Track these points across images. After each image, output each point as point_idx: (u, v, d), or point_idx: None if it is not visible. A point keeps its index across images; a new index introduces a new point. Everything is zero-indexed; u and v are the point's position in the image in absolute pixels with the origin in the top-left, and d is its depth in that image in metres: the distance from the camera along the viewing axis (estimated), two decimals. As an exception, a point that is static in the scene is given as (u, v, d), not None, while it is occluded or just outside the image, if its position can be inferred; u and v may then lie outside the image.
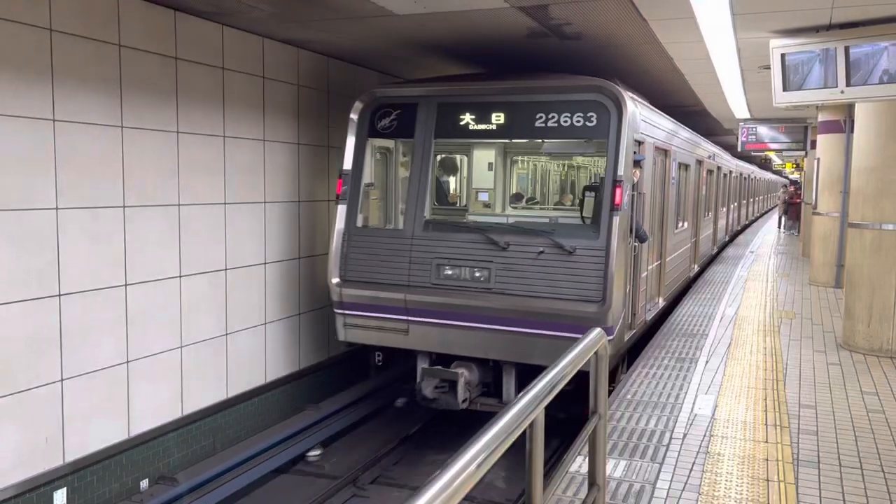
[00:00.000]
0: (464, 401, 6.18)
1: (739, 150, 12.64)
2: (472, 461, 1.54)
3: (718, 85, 8.73)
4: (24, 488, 4.66)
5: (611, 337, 5.70)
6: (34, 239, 4.74)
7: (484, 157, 7.81)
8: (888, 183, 6.23)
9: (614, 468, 3.74)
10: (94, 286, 5.15)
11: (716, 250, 13.51)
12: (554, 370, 2.23)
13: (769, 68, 6.50)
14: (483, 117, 6.25)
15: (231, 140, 6.08)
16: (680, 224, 9.10)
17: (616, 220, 5.75)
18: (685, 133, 9.22)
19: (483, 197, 7.82)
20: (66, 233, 4.92)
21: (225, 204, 6.04)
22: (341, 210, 6.55)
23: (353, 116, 6.62)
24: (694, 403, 4.81)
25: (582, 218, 6.52)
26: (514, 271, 5.93)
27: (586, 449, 2.99)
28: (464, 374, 6.17)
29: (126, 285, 5.40)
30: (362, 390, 7.16)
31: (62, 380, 4.94)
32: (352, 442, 6.90)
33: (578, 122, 5.91)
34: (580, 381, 5.32)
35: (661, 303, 7.78)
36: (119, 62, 5.22)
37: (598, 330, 2.68)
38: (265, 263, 6.57)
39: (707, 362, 5.85)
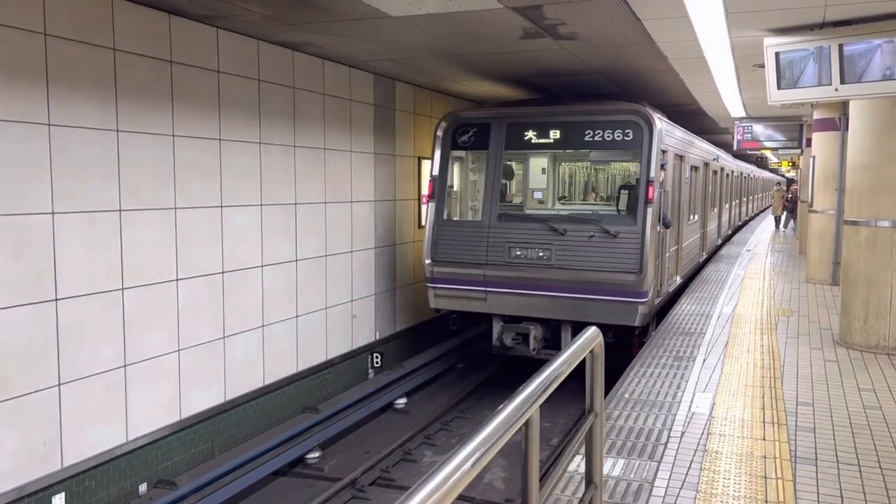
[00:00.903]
0: (533, 349, 8.12)
1: (735, 148, 12.76)
2: (466, 459, 1.53)
3: (713, 83, 8.78)
4: (22, 493, 4.67)
5: (646, 299, 7.63)
6: (30, 244, 4.74)
7: (539, 163, 9.76)
8: (883, 179, 6.18)
9: (612, 467, 3.75)
10: (91, 290, 5.13)
11: (720, 241, 15.46)
12: (549, 368, 2.23)
13: (763, 67, 6.53)
14: (542, 133, 8.28)
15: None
16: (692, 217, 11.04)
17: (649, 210, 7.73)
18: (695, 140, 11.19)
19: (538, 195, 9.65)
20: (62, 237, 4.92)
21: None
22: (431, 207, 8.47)
23: (439, 133, 8.55)
24: (692, 402, 4.83)
25: (618, 210, 8.32)
26: (570, 251, 7.89)
27: (584, 448, 2.96)
28: (533, 330, 8.18)
29: (123, 289, 5.39)
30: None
31: (59, 384, 4.94)
32: (351, 443, 7.13)
33: (619, 137, 7.96)
34: (621, 337, 7.81)
35: (678, 280, 9.73)
36: (114, 65, 5.21)
37: (593, 329, 2.77)
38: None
39: (705, 361, 5.88)
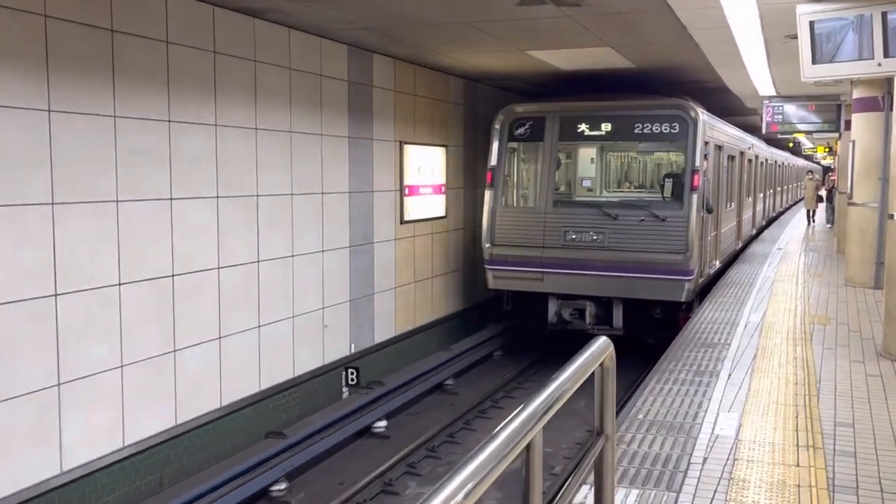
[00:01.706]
0: (589, 324, 10.01)
1: (763, 132, 12.65)
2: (457, 491, 1.52)
3: (739, 57, 8.86)
4: (-58, 533, 4.77)
5: (691, 277, 9.57)
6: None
7: (587, 153, 11.66)
8: (934, 167, 6.40)
9: (625, 498, 3.75)
10: (16, 297, 5.05)
11: (754, 231, 17.59)
12: (554, 384, 2.23)
13: (796, 38, 6.54)
14: (594, 126, 10.17)
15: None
16: (729, 204, 12.98)
17: (694, 197, 9.63)
18: (732, 130, 13.24)
19: (586, 183, 11.53)
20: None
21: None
22: (489, 194, 10.31)
23: (497, 126, 10.40)
24: (715, 423, 4.84)
25: (663, 197, 10.13)
26: (621, 234, 9.73)
27: (592, 477, 2.88)
28: (589, 306, 10.08)
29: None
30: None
31: (-20, 407, 5.10)
32: (323, 473, 7.15)
33: (665, 129, 9.85)
34: (668, 313, 9.73)
35: (717, 264, 11.64)
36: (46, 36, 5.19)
37: (602, 339, 2.84)
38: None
39: (730, 376, 5.90)
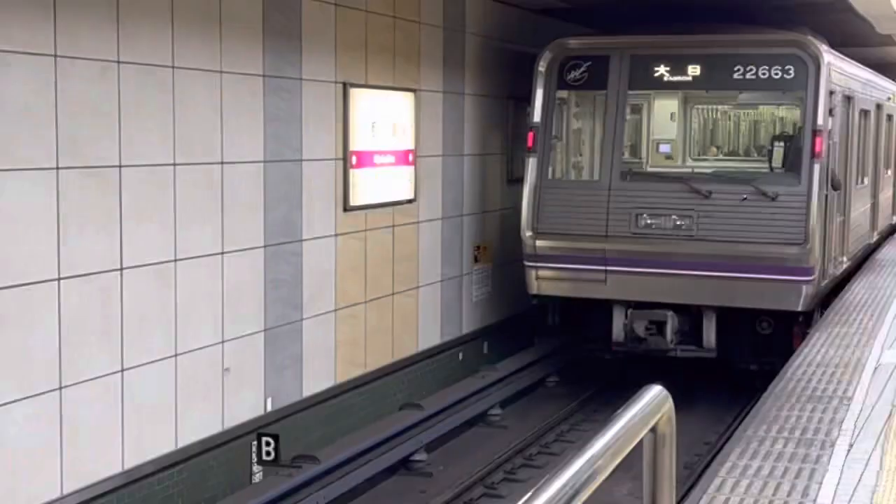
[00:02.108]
0: (671, 342, 10.49)
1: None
2: None
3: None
4: None
5: (811, 278, 10.08)
6: None
7: (665, 107, 11.90)
8: None
9: None
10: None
11: (895, 220, 18.38)
12: (572, 469, 2.21)
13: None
14: (678, 69, 10.51)
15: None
16: (861, 180, 13.27)
17: (816, 167, 10.01)
18: (865, 74, 13.40)
19: (664, 149, 11.97)
20: None
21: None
22: (532, 163, 10.88)
23: (541, 68, 10.94)
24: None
25: (770, 167, 10.62)
26: (716, 218, 10.20)
27: None
28: (671, 318, 10.46)
29: None
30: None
31: None
32: None
33: (777, 74, 10.07)
34: (780, 327, 10.25)
35: (846, 261, 12.12)
36: None
37: (656, 389, 2.81)
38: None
39: (851, 447, 5.86)
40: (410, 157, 10.16)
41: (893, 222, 17.73)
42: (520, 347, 11.90)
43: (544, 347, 12.04)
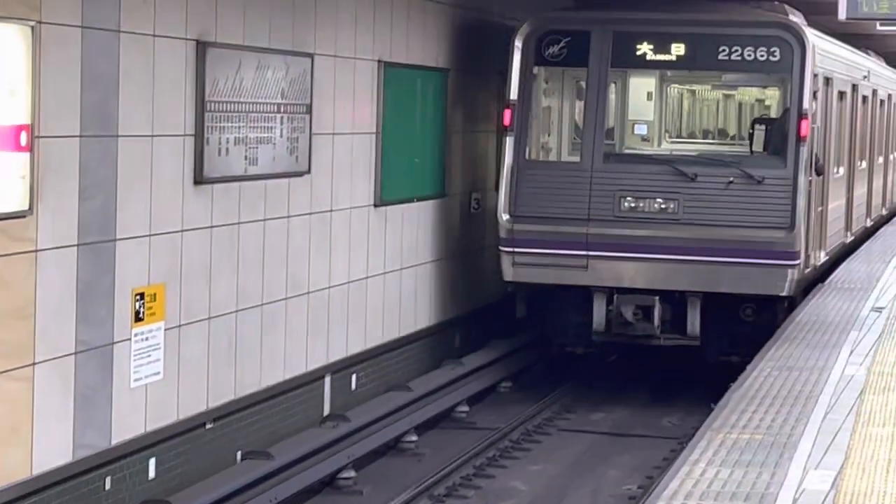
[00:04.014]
0: (657, 328, 13.25)
1: (843, 17, 13.19)
2: None
3: None
4: None
5: (797, 262, 12.75)
6: None
7: (642, 85, 15.05)
8: None
9: None
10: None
11: (869, 222, 21.70)
12: None
13: None
14: (662, 48, 13.40)
15: None
16: (836, 169, 16.43)
17: (802, 150, 12.86)
18: (846, 53, 16.65)
19: (641, 130, 15.15)
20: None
21: None
22: (510, 142, 13.61)
23: (518, 43, 13.67)
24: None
25: (751, 150, 13.72)
26: (701, 201, 12.84)
27: None
28: (658, 302, 13.06)
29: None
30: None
31: None
32: None
33: (762, 56, 13.00)
34: (764, 315, 13.83)
35: (824, 256, 15.23)
36: None
37: None
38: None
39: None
40: (23, 139, 9.21)
41: (868, 225, 21.18)
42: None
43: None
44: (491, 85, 16.31)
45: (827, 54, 14.24)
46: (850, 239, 18.46)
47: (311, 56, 11.93)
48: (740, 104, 15.82)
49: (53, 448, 9.80)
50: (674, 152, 14.53)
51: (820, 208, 14.80)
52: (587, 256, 12.98)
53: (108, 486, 10.19)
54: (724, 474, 7.44)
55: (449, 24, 15.42)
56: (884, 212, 24.39)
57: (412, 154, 14.73)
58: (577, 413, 14.62)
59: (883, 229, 22.47)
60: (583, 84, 13.71)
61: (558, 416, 14.44)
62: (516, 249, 13.22)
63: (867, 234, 21.42)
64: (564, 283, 13.11)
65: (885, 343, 13.03)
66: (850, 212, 18.57)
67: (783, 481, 7.38)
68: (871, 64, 21.20)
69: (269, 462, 11.10)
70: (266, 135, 11.70)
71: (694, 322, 13.13)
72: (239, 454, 11.39)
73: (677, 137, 15.61)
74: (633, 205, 12.92)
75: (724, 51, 13.07)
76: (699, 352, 13.70)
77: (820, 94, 13.55)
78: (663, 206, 12.87)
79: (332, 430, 12.01)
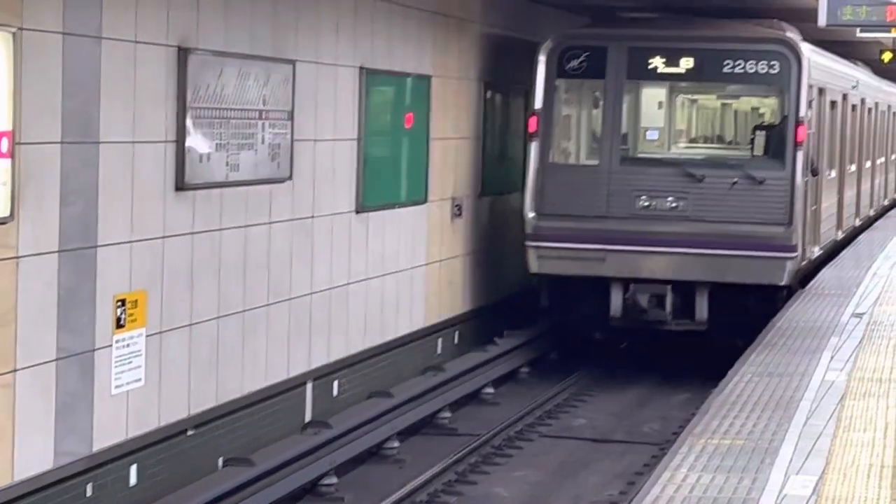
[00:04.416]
0: (669, 314, 15.21)
1: (823, 23, 13.81)
2: None
3: None
4: None
5: (794, 254, 14.97)
6: None
7: (653, 96, 16.72)
8: None
9: None
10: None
11: (858, 222, 23.57)
12: None
13: None
14: (672, 61, 15.41)
15: None
16: (829, 172, 18.54)
17: (799, 154, 14.90)
18: (836, 65, 18.48)
19: (652, 136, 16.93)
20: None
21: None
22: (535, 147, 15.40)
23: (542, 57, 15.52)
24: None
25: (752, 154, 15.59)
26: (708, 200, 14.91)
27: None
28: (669, 291, 14.98)
29: None
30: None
31: None
32: None
33: (763, 69, 15.09)
34: (764, 303, 15.78)
35: (818, 250, 16.93)
36: None
37: None
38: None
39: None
40: (3, 145, 9.16)
41: (856, 224, 22.99)
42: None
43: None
44: (473, 91, 16.53)
45: (820, 67, 15.98)
46: (840, 236, 20.22)
47: (292, 62, 11.92)
48: (742, 112, 17.40)
49: (34, 455, 9.70)
50: (683, 156, 16.39)
51: (814, 207, 16.44)
52: (605, 250, 14.82)
53: (89, 493, 10.02)
54: (706, 480, 7.49)
55: (431, 30, 15.37)
56: (871, 213, 26.34)
57: (394, 160, 14.69)
58: (558, 419, 14.76)
59: (866, 234, 23.67)
60: (598, 94, 15.55)
61: (540, 423, 14.51)
62: (541, 244, 15.16)
63: (856, 233, 23.08)
64: (585, 275, 14.91)
65: (866, 349, 13.02)
66: (842, 211, 20.51)
67: (764, 487, 7.39)
68: (859, 74, 22.97)
69: (251, 469, 11.00)
70: (247, 141, 11.47)
71: (702, 309, 14.98)
72: (220, 461, 11.20)
73: (685, 142, 17.56)
74: (647, 203, 14.84)
75: (727, 64, 14.92)
76: (706, 336, 15.38)
77: (814, 104, 15.21)
78: (674, 204, 14.83)
79: (314, 436, 12.06)
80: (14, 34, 9.15)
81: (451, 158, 16.17)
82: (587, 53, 15.41)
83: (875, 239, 23.14)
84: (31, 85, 9.63)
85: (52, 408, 9.83)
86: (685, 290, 14.99)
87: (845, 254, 20.52)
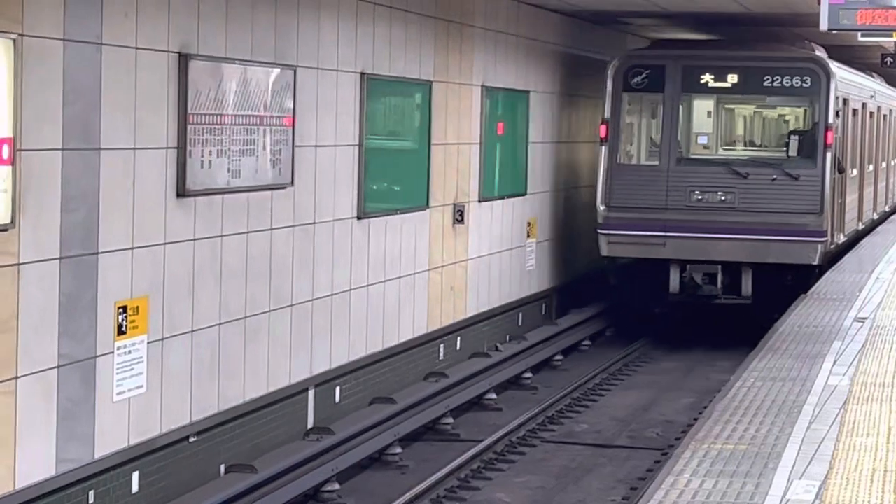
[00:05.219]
0: (719, 290, 18.80)
1: (825, 27, 14.19)
2: None
3: None
4: None
5: (825, 238, 18.66)
6: None
7: (702, 106, 20.62)
8: None
9: None
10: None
11: (875, 216, 27.31)
12: None
13: None
14: (720, 77, 19.42)
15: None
16: (852, 170, 21.72)
17: (828, 155, 18.80)
18: (857, 78, 22.82)
19: (702, 140, 20.89)
20: None
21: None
22: (605, 150, 19.17)
23: (611, 74, 19.36)
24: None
25: (787, 155, 19.31)
26: (752, 193, 18.68)
27: None
28: (720, 270, 18.43)
29: None
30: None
31: None
32: None
33: (797, 83, 18.88)
34: (799, 278, 19.60)
35: (843, 237, 20.86)
36: None
37: None
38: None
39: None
40: (4, 152, 9.12)
41: (875, 217, 26.21)
42: None
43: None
44: (474, 97, 16.85)
45: (844, 80, 18.76)
46: (861, 226, 23.29)
47: (293, 68, 11.91)
48: (779, 120, 20.71)
49: (36, 462, 9.68)
50: (729, 157, 19.60)
51: (840, 200, 19.40)
52: (666, 236, 17.88)
53: (91, 500, 9.98)
54: (709, 485, 7.53)
55: (431, 35, 15.46)
56: (887, 208, 29.46)
57: (395, 166, 14.77)
58: (561, 424, 14.88)
59: (868, 238, 24.90)
60: (657, 105, 18.79)
61: (542, 428, 14.59)
62: (610, 232, 18.29)
63: (873, 225, 26.32)
64: (647, 257, 18.00)
65: (869, 353, 12.95)
66: (862, 204, 23.64)
67: (767, 491, 7.41)
68: (875, 85, 26.16)
69: (253, 475, 10.99)
70: (249, 147, 11.42)
71: (747, 285, 18.03)
72: (222, 467, 11.13)
73: (731, 145, 21.01)
74: (699, 197, 17.99)
75: (767, 79, 18.04)
76: (750, 308, 18.22)
77: (840, 112, 17.88)
78: (723, 197, 17.95)
79: (316, 443, 12.09)
80: (15, 41, 9.13)
81: (452, 163, 16.59)
82: (648, 71, 18.73)
83: (877, 243, 23.44)
84: (31, 92, 9.59)
85: (54, 415, 9.78)
86: (733, 270, 17.88)
87: (847, 258, 21.32)
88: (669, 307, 19.20)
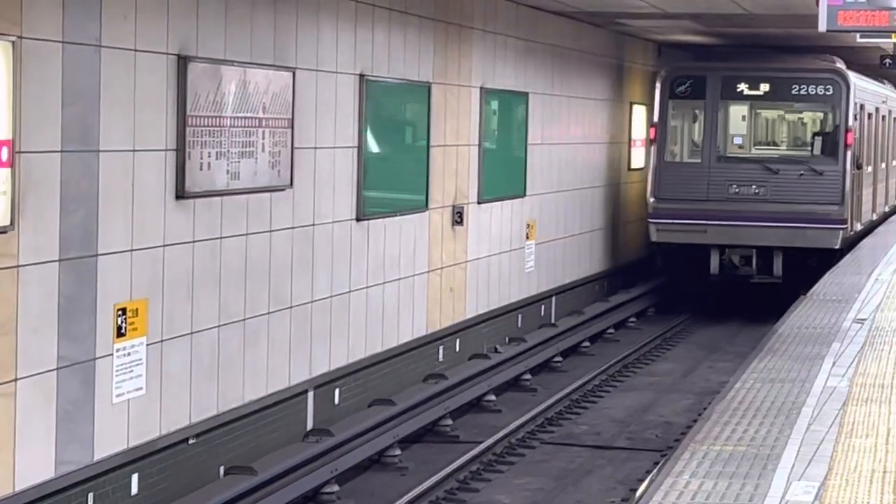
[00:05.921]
0: (754, 270, 22.87)
1: (823, 29, 14.03)
2: None
3: None
4: None
5: (845, 226, 22.59)
6: None
7: (738, 111, 24.71)
8: None
9: None
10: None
11: (887, 209, 30.15)
12: None
13: None
14: (754, 86, 23.56)
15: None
16: (867, 167, 25.56)
17: (848, 153, 22.84)
18: (871, 86, 26.75)
19: (738, 141, 24.81)
20: None
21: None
22: (654, 150, 23.32)
23: (658, 84, 23.57)
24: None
25: (811, 153, 23.42)
26: (782, 187, 22.54)
27: None
28: (755, 253, 22.68)
29: None
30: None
31: None
32: None
33: (821, 91, 23.08)
34: (823, 260, 22.76)
35: (860, 226, 24.43)
36: None
37: None
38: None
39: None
40: (3, 154, 9.13)
41: (886, 210, 29.56)
42: None
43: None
44: (472, 99, 16.92)
45: (861, 88, 22.00)
46: (875, 217, 26.17)
47: (292, 70, 11.93)
48: (805, 123, 23.92)
49: (36, 464, 9.65)
50: (761, 155, 22.78)
51: (858, 193, 22.12)
52: (707, 224, 20.99)
53: (90, 502, 9.95)
54: (708, 486, 7.54)
55: (430, 37, 15.42)
56: (886, 209, 31.58)
57: (394, 168, 14.76)
58: (560, 426, 14.93)
59: (868, 239, 25.86)
60: (698, 111, 22.22)
61: (542, 430, 14.62)
62: (659, 220, 21.59)
63: (885, 217, 29.11)
64: (691, 243, 20.90)
65: (868, 354, 12.97)
66: (876, 198, 26.67)
67: (766, 493, 7.43)
68: (887, 91, 28.85)
69: (252, 477, 10.98)
70: (248, 149, 11.38)
71: (778, 267, 21.09)
72: (222, 469, 11.12)
73: (763, 145, 24.49)
74: (736, 190, 21.18)
75: (794, 88, 21.40)
76: (781, 287, 20.90)
77: (857, 116, 20.84)
78: (756, 190, 21.25)
79: (315, 444, 12.13)
80: (14, 43, 9.10)
81: (451, 165, 16.65)
82: (691, 80, 22.11)
83: (877, 244, 23.67)
84: (30, 94, 9.55)
85: (53, 417, 9.73)
86: (765, 253, 20.98)
87: (846, 259, 21.70)
88: (709, 287, 22.37)
